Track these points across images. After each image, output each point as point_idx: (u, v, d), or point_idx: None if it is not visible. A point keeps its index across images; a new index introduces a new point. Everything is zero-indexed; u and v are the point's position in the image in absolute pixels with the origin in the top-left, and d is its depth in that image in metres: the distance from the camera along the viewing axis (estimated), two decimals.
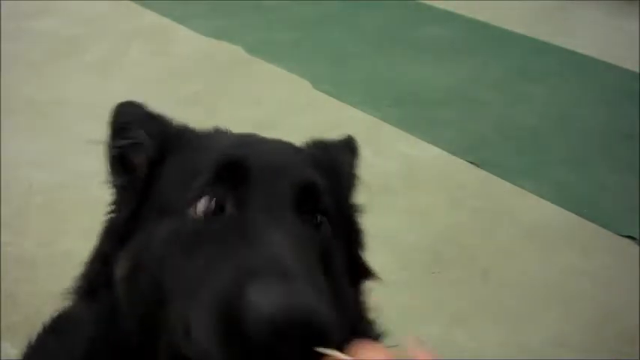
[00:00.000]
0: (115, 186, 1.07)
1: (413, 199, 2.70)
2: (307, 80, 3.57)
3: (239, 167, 0.93)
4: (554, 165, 2.96)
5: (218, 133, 1.10)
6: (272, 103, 3.39)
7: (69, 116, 3.25)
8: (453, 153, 3.01)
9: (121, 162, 1.06)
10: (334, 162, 1.19)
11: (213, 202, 0.90)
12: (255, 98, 3.43)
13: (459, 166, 2.93)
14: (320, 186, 0.97)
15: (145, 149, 1.04)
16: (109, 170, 1.06)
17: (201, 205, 0.90)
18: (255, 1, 4.52)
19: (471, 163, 2.94)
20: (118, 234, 1.02)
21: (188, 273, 0.86)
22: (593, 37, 4.14)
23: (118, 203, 1.06)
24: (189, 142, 1.05)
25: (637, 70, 3.73)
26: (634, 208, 2.65)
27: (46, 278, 2.28)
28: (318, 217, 0.95)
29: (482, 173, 2.88)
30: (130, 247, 0.98)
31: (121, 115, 1.10)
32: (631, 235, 2.52)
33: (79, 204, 2.65)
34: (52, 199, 2.67)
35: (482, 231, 2.54)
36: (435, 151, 3.02)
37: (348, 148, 1.30)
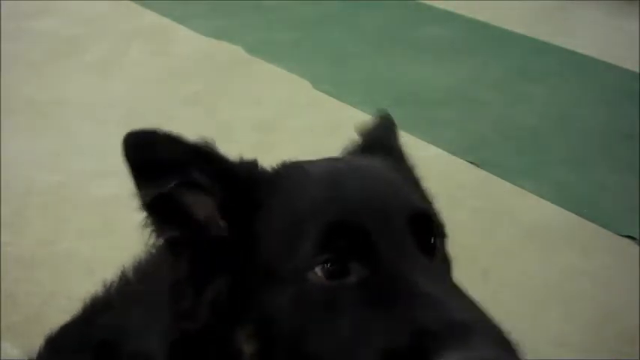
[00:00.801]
0: (166, 240, 0.88)
1: None
2: (307, 80, 3.57)
3: (351, 224, 0.86)
4: (554, 165, 2.95)
5: (299, 171, 0.94)
6: (272, 103, 3.39)
7: (69, 116, 3.25)
8: (453, 153, 3.01)
9: (167, 209, 0.86)
10: (397, 153, 1.14)
11: (336, 264, 0.83)
12: (255, 98, 3.43)
13: (459, 166, 2.93)
14: (429, 211, 0.95)
15: (206, 193, 0.88)
16: (149, 220, 0.87)
17: (324, 268, 0.83)
18: (255, 1, 4.52)
19: (471, 163, 2.94)
20: (223, 306, 0.87)
21: (342, 341, 0.80)
22: (593, 37, 4.14)
23: (188, 264, 0.88)
24: (275, 189, 0.91)
25: (637, 70, 3.73)
26: (634, 208, 2.65)
27: (46, 278, 2.28)
28: (433, 240, 0.93)
29: (483, 173, 2.88)
30: (251, 322, 0.86)
31: (152, 149, 0.87)
32: (631, 235, 2.52)
33: (79, 204, 2.65)
34: (52, 199, 2.67)
35: (482, 231, 2.54)
36: (435, 151, 3.01)
37: (390, 127, 1.22)
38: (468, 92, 3.55)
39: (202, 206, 0.88)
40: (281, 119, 3.23)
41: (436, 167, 2.93)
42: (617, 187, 2.80)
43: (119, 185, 3.17)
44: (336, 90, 3.48)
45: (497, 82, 3.64)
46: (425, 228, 0.91)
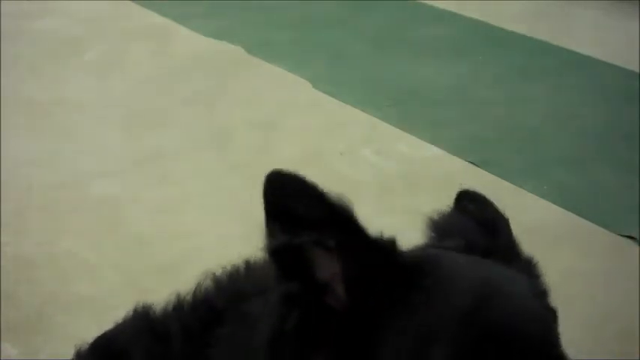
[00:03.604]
0: (283, 293, 0.81)
1: (413, 199, 2.70)
2: (307, 80, 3.57)
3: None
4: (554, 165, 2.95)
5: (445, 272, 0.84)
6: (272, 103, 3.39)
7: (69, 116, 3.25)
8: (453, 153, 3.00)
9: (292, 261, 0.79)
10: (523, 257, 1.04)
11: None
12: (255, 98, 3.43)
13: (459, 166, 2.93)
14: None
15: (336, 258, 0.80)
16: (275, 262, 0.80)
17: None
18: (255, 1, 4.52)
19: (471, 163, 2.94)
20: None
21: None
22: (593, 37, 4.14)
23: (296, 323, 0.80)
24: (414, 285, 0.81)
25: (637, 70, 3.73)
26: (634, 208, 2.65)
27: (46, 278, 2.28)
28: None
29: (482, 173, 2.88)
30: None
31: (295, 198, 0.78)
32: (631, 235, 2.52)
33: (79, 204, 2.66)
34: (52, 199, 2.67)
35: None
36: (435, 151, 3.01)
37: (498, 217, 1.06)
38: (468, 92, 3.55)
39: (328, 268, 0.80)
40: (281, 119, 3.23)
41: (436, 167, 2.94)
42: (617, 187, 2.80)
43: (119, 185, 3.19)
44: (336, 90, 3.48)
45: (497, 82, 3.64)
46: None
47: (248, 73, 3.67)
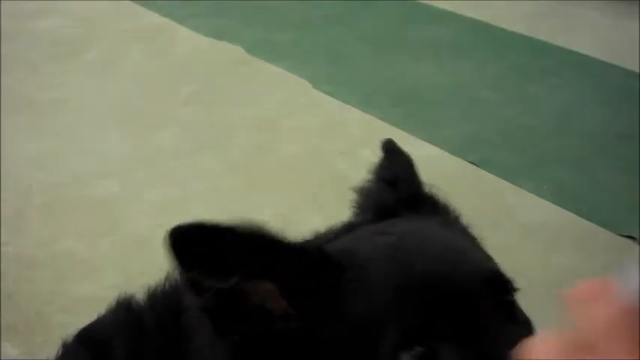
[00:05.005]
0: (232, 341, 0.78)
1: None
2: (307, 80, 3.57)
3: (435, 309, 0.80)
4: (554, 165, 2.96)
5: (362, 252, 0.85)
6: (272, 103, 3.39)
7: (69, 116, 3.25)
8: (453, 153, 3.01)
9: (229, 307, 0.76)
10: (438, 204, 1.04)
11: (425, 350, 0.76)
12: (255, 98, 3.43)
13: (459, 166, 2.93)
14: (502, 272, 0.90)
15: (270, 280, 0.78)
16: (210, 318, 0.78)
17: (411, 355, 0.76)
18: (255, 1, 4.52)
19: (471, 163, 2.95)
20: None
21: None
22: (593, 37, 4.14)
23: None
24: (345, 273, 0.81)
25: (637, 70, 3.73)
26: (634, 208, 2.65)
27: (46, 278, 2.28)
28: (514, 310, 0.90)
29: (482, 173, 2.88)
30: None
31: (203, 246, 0.74)
32: (631, 235, 2.52)
33: (79, 204, 2.66)
34: (52, 199, 2.67)
35: (481, 231, 2.54)
36: (435, 151, 3.02)
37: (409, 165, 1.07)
38: (468, 92, 3.55)
39: (266, 295, 0.78)
40: (281, 119, 3.24)
41: (436, 167, 2.93)
42: (617, 187, 2.80)
43: (119, 185, 3.19)
44: (336, 90, 3.48)
45: (497, 82, 3.64)
46: (504, 294, 0.88)
47: (248, 73, 3.67)
